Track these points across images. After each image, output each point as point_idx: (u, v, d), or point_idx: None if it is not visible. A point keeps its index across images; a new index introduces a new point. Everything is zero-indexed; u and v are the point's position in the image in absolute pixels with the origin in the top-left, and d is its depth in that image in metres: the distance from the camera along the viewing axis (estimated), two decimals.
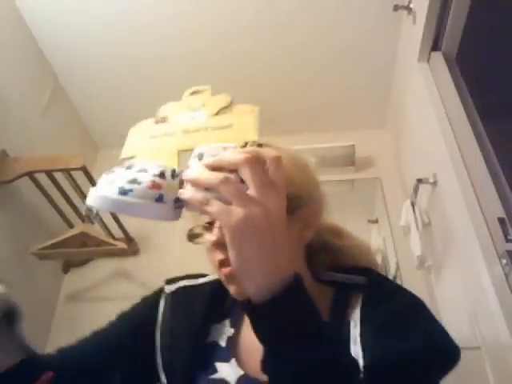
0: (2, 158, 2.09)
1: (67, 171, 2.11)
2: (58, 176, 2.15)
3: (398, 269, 2.27)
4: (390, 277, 2.28)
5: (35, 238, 2.19)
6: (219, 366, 0.68)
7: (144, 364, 0.71)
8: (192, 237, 0.64)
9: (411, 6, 2.03)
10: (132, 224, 2.46)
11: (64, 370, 0.71)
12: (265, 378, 0.63)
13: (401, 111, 2.48)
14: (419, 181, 1.90)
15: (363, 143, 2.66)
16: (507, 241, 1.35)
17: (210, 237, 0.62)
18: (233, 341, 0.71)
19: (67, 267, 2.55)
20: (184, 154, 0.53)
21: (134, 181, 0.51)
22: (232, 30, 2.41)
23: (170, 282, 0.79)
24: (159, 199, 0.50)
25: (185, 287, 0.78)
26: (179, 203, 0.51)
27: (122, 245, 2.16)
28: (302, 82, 2.64)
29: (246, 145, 0.64)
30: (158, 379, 0.69)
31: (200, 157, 0.51)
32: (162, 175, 0.51)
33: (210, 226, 0.63)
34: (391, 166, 2.69)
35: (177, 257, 1.92)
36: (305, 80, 2.64)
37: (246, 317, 0.73)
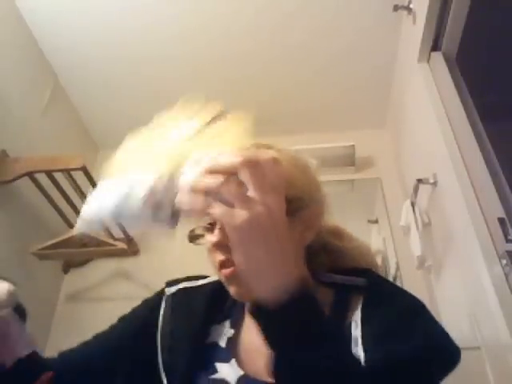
0: (2, 158, 2.09)
1: (67, 171, 2.11)
2: (58, 176, 2.15)
3: (398, 269, 2.27)
4: (390, 277, 2.28)
5: (35, 238, 2.19)
6: (219, 366, 0.68)
7: (145, 365, 0.71)
8: (193, 238, 0.64)
9: (411, 6, 2.03)
10: None
11: (65, 372, 0.71)
12: (264, 377, 0.63)
13: (401, 111, 2.48)
14: (419, 181, 1.90)
15: (363, 143, 2.66)
16: (507, 241, 1.35)
17: (211, 238, 0.62)
18: (233, 341, 0.71)
19: (67, 267, 2.55)
20: (178, 163, 0.53)
21: (126, 198, 0.51)
22: (232, 30, 2.41)
23: (170, 283, 0.80)
24: (155, 216, 0.50)
25: (185, 289, 0.78)
26: (176, 212, 0.51)
27: (121, 245, 2.16)
28: (302, 82, 2.64)
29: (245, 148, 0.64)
30: (159, 380, 0.70)
31: (196, 163, 0.51)
32: (155, 188, 0.51)
33: (211, 226, 0.63)
34: (391, 166, 2.69)
35: (177, 257, 1.92)
36: (305, 80, 2.64)
37: (246, 318, 0.73)
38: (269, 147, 0.67)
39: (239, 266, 0.47)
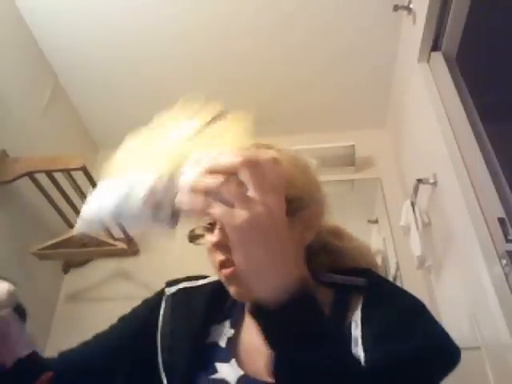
0: (2, 158, 2.09)
1: (67, 171, 2.11)
2: (58, 176, 2.15)
3: (398, 269, 2.27)
4: (390, 277, 2.28)
5: (35, 238, 2.19)
6: (219, 366, 0.68)
7: (145, 365, 0.71)
8: (193, 238, 0.64)
9: (411, 6, 2.03)
10: None
11: (65, 372, 0.71)
12: (264, 377, 0.63)
13: (401, 111, 2.48)
14: (419, 181, 1.90)
15: (363, 143, 2.66)
16: (507, 241, 1.35)
17: (211, 238, 0.62)
18: (233, 341, 0.71)
19: (67, 267, 2.55)
20: (178, 163, 0.53)
21: (126, 198, 0.50)
22: (232, 30, 2.42)
23: (170, 283, 0.80)
24: (155, 216, 0.50)
25: (185, 289, 0.78)
26: (176, 212, 0.51)
27: (121, 245, 2.16)
28: (302, 82, 2.64)
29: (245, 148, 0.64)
30: (159, 380, 0.70)
31: (196, 163, 0.51)
32: (155, 188, 0.51)
33: (211, 227, 0.63)
34: (391, 166, 2.69)
35: (177, 257, 1.92)
36: (305, 80, 2.64)
37: (246, 318, 0.73)
38: (269, 147, 0.67)
39: (239, 265, 0.47)
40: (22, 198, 2.23)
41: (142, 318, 0.77)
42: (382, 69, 2.56)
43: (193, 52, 2.50)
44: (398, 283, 2.18)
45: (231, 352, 0.69)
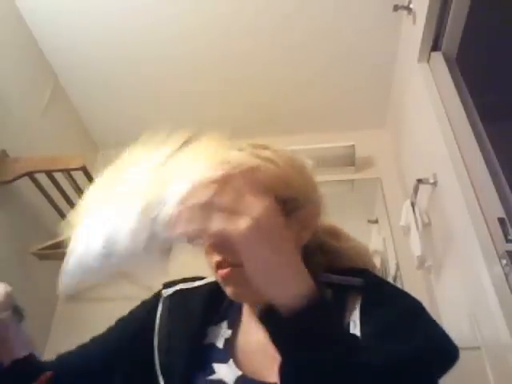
0: (2, 158, 2.09)
1: (67, 171, 2.10)
2: (58, 176, 2.15)
3: (397, 269, 2.27)
4: (390, 277, 2.28)
5: (35, 238, 2.19)
6: (217, 367, 0.68)
7: (143, 367, 0.71)
8: (190, 238, 0.64)
9: (411, 6, 2.03)
10: None
11: (63, 375, 0.71)
12: (262, 378, 0.63)
13: (401, 111, 2.48)
14: (419, 181, 1.90)
15: (363, 143, 2.66)
16: (507, 241, 1.35)
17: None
18: (230, 342, 0.71)
19: None
20: (157, 190, 0.52)
21: (113, 236, 0.48)
22: (232, 30, 2.41)
23: (167, 285, 0.79)
24: (148, 248, 0.48)
25: (182, 290, 0.78)
26: (169, 240, 0.49)
27: None
28: (302, 82, 2.64)
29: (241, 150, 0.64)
30: (158, 382, 0.69)
31: (180, 183, 0.49)
32: (144, 218, 0.49)
33: None
34: (391, 166, 2.68)
35: (176, 257, 1.93)
36: (305, 80, 2.64)
37: (243, 318, 0.73)
38: (265, 148, 0.67)
39: (250, 271, 0.48)
40: (21, 198, 2.23)
41: (140, 319, 0.77)
42: (381, 69, 2.55)
43: (193, 52, 2.50)
44: (398, 283, 2.18)
45: (229, 353, 0.69)
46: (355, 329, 0.61)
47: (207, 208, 0.46)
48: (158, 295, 0.79)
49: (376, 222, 2.59)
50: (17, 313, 0.71)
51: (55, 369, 0.71)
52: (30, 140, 2.35)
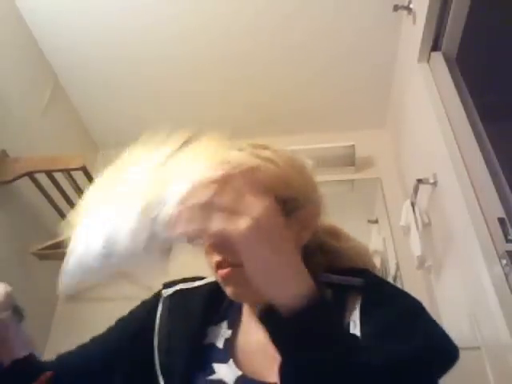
0: (2, 158, 2.09)
1: (67, 171, 2.11)
2: (58, 176, 2.15)
3: (397, 269, 2.27)
4: (390, 277, 2.28)
5: (35, 238, 2.19)
6: (217, 367, 0.68)
7: (144, 367, 0.71)
8: (190, 238, 0.64)
9: (411, 6, 2.03)
10: None
11: (63, 375, 0.71)
12: (262, 378, 0.63)
13: (401, 111, 2.48)
14: (419, 181, 1.90)
15: (363, 143, 2.66)
16: (507, 241, 1.35)
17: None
18: (230, 342, 0.71)
19: None
20: (157, 189, 0.51)
21: (114, 236, 0.48)
22: (232, 30, 2.41)
23: (167, 285, 0.79)
24: (148, 248, 0.48)
25: (182, 290, 0.78)
26: (169, 240, 0.49)
27: None
28: (302, 82, 2.64)
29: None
30: (157, 382, 0.69)
31: (180, 184, 0.49)
32: (144, 217, 0.49)
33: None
34: (391, 166, 2.68)
35: (176, 257, 1.93)
36: (305, 80, 2.64)
37: (243, 318, 0.73)
38: (265, 147, 0.67)
39: (250, 271, 0.48)
40: (21, 198, 2.23)
41: (140, 319, 0.77)
42: (381, 69, 2.55)
43: (193, 52, 2.50)
44: (398, 283, 2.18)
45: (229, 353, 0.69)
46: (355, 329, 0.61)
47: (207, 208, 0.46)
48: (158, 295, 0.79)
49: (376, 222, 2.59)
50: (17, 313, 0.71)
51: (55, 369, 0.71)
52: (30, 140, 2.35)
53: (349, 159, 2.66)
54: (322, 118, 2.82)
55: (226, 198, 0.47)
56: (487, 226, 1.41)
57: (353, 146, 2.61)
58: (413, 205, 2.03)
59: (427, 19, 1.83)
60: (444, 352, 0.57)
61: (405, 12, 2.11)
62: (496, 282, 1.31)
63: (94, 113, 2.85)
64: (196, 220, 0.46)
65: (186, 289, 0.78)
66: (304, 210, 0.65)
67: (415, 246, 1.91)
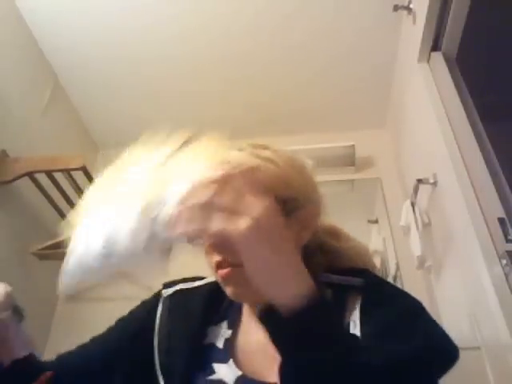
0: (2, 158, 2.09)
1: (67, 171, 2.11)
2: (58, 176, 2.15)
3: (397, 269, 2.27)
4: (390, 277, 2.28)
5: (35, 238, 2.19)
6: (217, 367, 0.68)
7: (144, 367, 0.71)
8: (190, 238, 0.64)
9: (411, 6, 2.03)
10: None
11: (64, 375, 0.71)
12: (262, 378, 0.63)
13: (401, 111, 2.48)
14: (419, 181, 1.90)
15: (363, 143, 2.66)
16: (507, 241, 1.35)
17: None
18: (230, 342, 0.71)
19: None
20: (157, 189, 0.51)
21: (114, 236, 0.48)
22: (232, 30, 2.41)
23: (167, 285, 0.79)
24: (148, 247, 0.48)
25: (182, 290, 0.78)
26: (169, 240, 0.49)
27: None
28: (302, 82, 2.64)
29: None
30: (157, 382, 0.69)
31: (180, 184, 0.49)
32: (144, 217, 0.49)
33: None
34: (391, 166, 2.68)
35: (176, 257, 1.93)
36: (305, 80, 2.64)
37: (243, 318, 0.73)
38: (265, 147, 0.67)
39: (250, 271, 0.48)
40: (21, 198, 2.23)
41: (140, 319, 0.77)
42: (381, 69, 2.55)
43: (193, 52, 2.50)
44: (398, 283, 2.18)
45: (229, 353, 0.69)
46: (355, 329, 0.61)
47: (207, 208, 0.46)
48: (157, 295, 0.79)
49: (376, 222, 2.59)
50: (17, 313, 0.71)
51: (55, 369, 0.71)
52: (30, 140, 2.35)
53: (349, 159, 2.66)
54: (322, 118, 2.82)
55: (226, 197, 0.47)
56: (487, 226, 1.41)
57: (353, 146, 2.61)
58: (413, 205, 2.03)
59: (427, 19, 1.83)
60: (444, 352, 0.57)
61: (405, 12, 2.11)
62: (496, 282, 1.31)
63: (94, 113, 2.85)
64: (196, 220, 0.46)
65: (186, 289, 0.78)
66: (304, 210, 0.65)
67: (415, 245, 1.91)
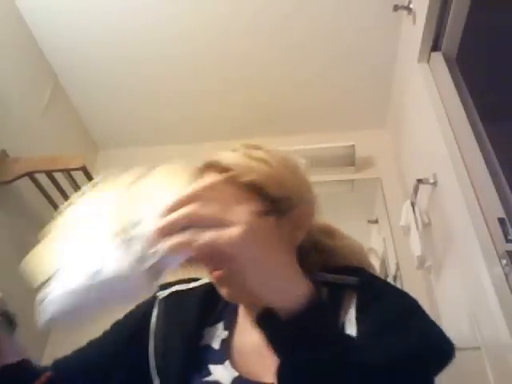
0: (2, 158, 2.09)
1: (67, 171, 2.10)
2: (58, 176, 2.15)
3: (397, 269, 2.27)
4: (390, 277, 2.28)
5: (35, 239, 2.19)
6: (213, 368, 0.68)
7: (141, 370, 0.71)
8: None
9: (411, 6, 2.03)
10: None
11: (60, 380, 0.70)
12: (258, 378, 0.63)
13: (401, 111, 2.48)
14: (419, 181, 1.90)
15: (363, 143, 2.66)
16: (507, 241, 1.35)
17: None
18: (226, 343, 0.71)
19: None
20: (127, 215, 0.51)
21: (96, 273, 0.47)
22: (232, 30, 2.41)
23: (162, 287, 0.79)
24: (136, 269, 0.47)
25: (177, 292, 0.78)
26: (157, 264, 0.48)
27: None
28: (301, 82, 2.64)
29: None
30: None
31: (155, 209, 0.49)
32: (122, 249, 0.48)
33: None
34: (391, 166, 2.68)
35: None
36: (305, 80, 2.64)
37: (238, 319, 0.73)
38: (258, 148, 0.67)
39: (250, 277, 0.47)
40: (21, 198, 2.23)
41: (135, 322, 0.76)
42: (381, 69, 2.55)
43: (193, 52, 2.50)
44: (398, 283, 2.18)
45: (225, 354, 0.69)
46: (351, 327, 0.61)
47: (192, 221, 0.46)
48: (153, 297, 0.78)
49: (376, 222, 2.59)
50: (8, 319, 0.69)
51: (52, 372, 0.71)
52: (29, 140, 2.35)
53: (349, 159, 2.66)
54: (322, 118, 2.82)
55: (211, 208, 0.47)
56: (487, 226, 1.41)
57: (353, 145, 2.61)
58: (413, 205, 2.03)
59: (427, 19, 1.83)
60: (440, 350, 0.57)
61: (405, 12, 2.11)
62: (496, 282, 1.31)
63: (94, 113, 2.85)
64: (180, 233, 0.46)
65: (182, 290, 0.78)
66: (297, 210, 0.65)
67: (415, 246, 1.91)
